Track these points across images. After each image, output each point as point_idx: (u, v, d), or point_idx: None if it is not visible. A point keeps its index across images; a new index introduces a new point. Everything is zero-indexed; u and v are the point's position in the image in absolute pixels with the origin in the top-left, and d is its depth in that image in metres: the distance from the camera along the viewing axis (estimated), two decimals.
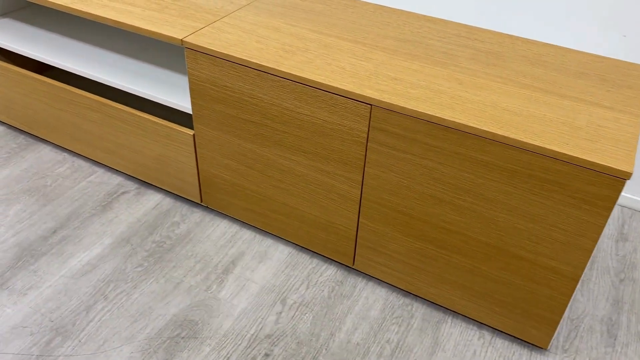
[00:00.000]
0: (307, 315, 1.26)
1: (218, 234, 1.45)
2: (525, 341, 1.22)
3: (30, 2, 1.76)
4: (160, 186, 1.55)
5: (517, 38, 1.31)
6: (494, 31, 1.34)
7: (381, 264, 1.29)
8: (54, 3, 1.37)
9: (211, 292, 1.30)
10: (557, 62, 1.21)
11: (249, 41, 1.23)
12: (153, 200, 1.55)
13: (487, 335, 1.24)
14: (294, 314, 1.26)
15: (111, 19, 1.30)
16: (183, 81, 1.47)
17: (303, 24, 1.31)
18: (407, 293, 1.33)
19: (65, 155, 1.69)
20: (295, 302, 1.29)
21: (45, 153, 1.69)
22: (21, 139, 1.74)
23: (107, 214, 1.49)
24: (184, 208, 1.53)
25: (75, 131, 1.60)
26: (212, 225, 1.48)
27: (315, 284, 1.34)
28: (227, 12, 1.35)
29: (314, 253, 1.41)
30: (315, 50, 1.21)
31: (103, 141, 1.56)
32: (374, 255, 1.29)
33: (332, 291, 1.32)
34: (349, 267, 1.38)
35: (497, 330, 1.25)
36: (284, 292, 1.31)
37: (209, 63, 1.22)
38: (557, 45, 1.28)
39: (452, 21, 1.38)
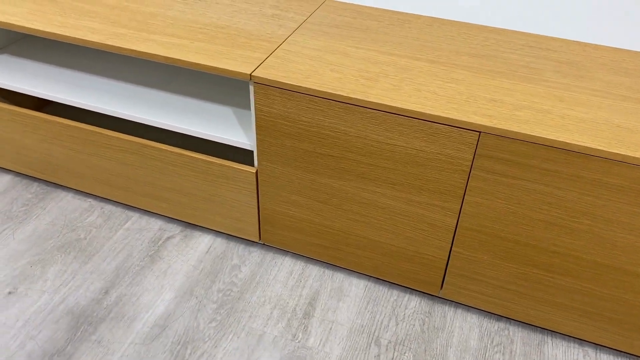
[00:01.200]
0: (406, 355, 1.19)
1: (285, 274, 1.36)
2: (633, 355, 1.19)
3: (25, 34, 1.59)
4: (208, 227, 1.43)
5: (586, 44, 1.27)
6: (559, 38, 1.30)
7: (473, 291, 1.24)
8: (86, 41, 1.22)
9: (299, 342, 1.21)
10: (637, 68, 1.18)
11: (322, 70, 1.14)
12: (203, 243, 1.43)
13: (591, 351, 1.21)
14: (393, 355, 1.19)
15: (161, 55, 1.17)
16: (228, 113, 1.35)
17: (368, 45, 1.23)
18: (499, 317, 1.28)
19: (91, 201, 1.54)
20: (390, 342, 1.21)
21: (68, 201, 1.53)
22: (35, 187, 1.58)
23: (158, 264, 1.37)
24: (239, 248, 1.42)
25: (104, 175, 1.45)
26: (275, 264, 1.38)
27: (404, 318, 1.26)
28: (281, 37, 1.25)
29: (392, 284, 1.34)
30: (395, 74, 1.13)
31: (140, 184, 1.42)
32: (466, 282, 1.23)
33: (424, 324, 1.25)
34: (433, 296, 1.32)
35: (599, 346, 1.22)
36: (374, 332, 1.23)
37: (282, 97, 1.12)
38: (623, 49, 1.25)
39: (511, 30, 1.33)
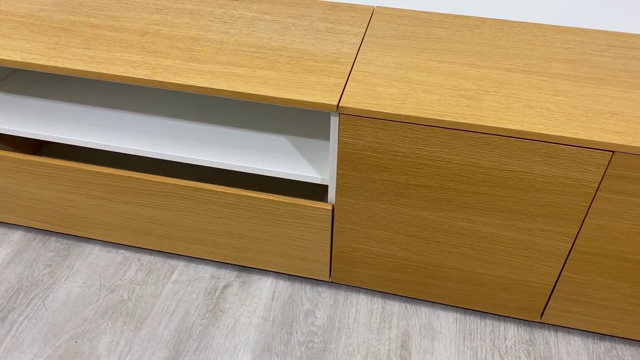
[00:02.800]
0: None
1: (365, 314, 1.23)
2: None
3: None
4: (269, 269, 1.28)
5: None
6: (635, 34, 1.22)
7: (577, 313, 1.15)
8: (129, 78, 1.04)
9: None
10: None
11: (414, 92, 1.01)
12: (265, 287, 1.28)
13: None
14: None
15: (227, 90, 1.01)
16: (283, 144, 1.20)
17: (447, 57, 1.11)
18: (602, 336, 1.20)
19: (124, 252, 1.35)
20: None
21: (97, 255, 1.34)
22: (54, 243, 1.37)
23: (222, 320, 1.21)
24: (306, 290, 1.28)
25: (140, 223, 1.27)
26: (350, 304, 1.25)
27: (506, 351, 1.16)
28: (350, 56, 1.11)
29: (483, 313, 1.24)
30: (495, 90, 1.01)
31: (186, 230, 1.25)
32: (571, 305, 1.14)
33: (529, 355, 1.16)
34: (530, 322, 1.22)
35: None
36: None
37: (374, 128, 0.98)
38: None
39: (582, 28, 1.24)
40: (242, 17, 1.24)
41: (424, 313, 1.24)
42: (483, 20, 1.25)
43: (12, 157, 1.22)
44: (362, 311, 1.24)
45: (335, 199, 1.11)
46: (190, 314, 1.22)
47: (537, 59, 1.11)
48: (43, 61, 1.07)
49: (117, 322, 1.20)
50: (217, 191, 1.16)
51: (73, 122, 1.25)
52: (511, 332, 1.20)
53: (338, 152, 1.04)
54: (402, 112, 0.95)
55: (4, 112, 1.27)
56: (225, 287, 1.28)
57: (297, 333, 1.19)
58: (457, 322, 1.22)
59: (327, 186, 1.41)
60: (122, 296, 1.25)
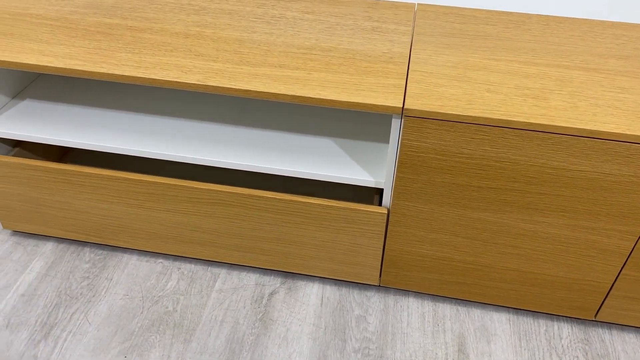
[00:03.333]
0: None
1: (417, 318, 1.21)
2: None
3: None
4: (315, 274, 1.25)
5: None
6: None
7: (635, 310, 1.14)
8: (182, 83, 1.00)
9: None
10: None
11: (478, 92, 0.98)
12: (312, 294, 1.25)
13: None
14: None
15: (288, 95, 0.97)
16: (329, 146, 1.18)
17: (502, 55, 1.08)
18: None
19: (162, 261, 1.31)
20: None
21: (135, 266, 1.30)
22: (88, 253, 1.33)
23: (273, 328, 1.18)
24: (354, 295, 1.25)
25: (180, 231, 1.24)
26: (401, 308, 1.23)
27: (563, 351, 1.15)
28: (403, 56, 1.08)
29: (536, 313, 1.22)
30: (558, 89, 1.00)
31: (230, 237, 1.22)
32: (629, 303, 1.13)
33: (586, 354, 1.15)
34: (582, 320, 1.21)
35: None
36: None
37: (440, 130, 0.96)
38: None
39: (631, 23, 1.23)
40: (283, 16, 1.21)
41: (477, 315, 1.22)
42: (529, 16, 1.23)
43: (48, 167, 1.17)
44: (413, 315, 1.22)
45: (392, 202, 1.09)
46: (239, 324, 1.19)
47: (592, 56, 1.09)
48: (88, 67, 1.02)
49: (165, 335, 1.16)
50: (268, 197, 1.13)
51: (106, 128, 1.20)
52: (565, 331, 1.19)
53: (399, 155, 1.01)
54: (470, 114, 0.93)
55: (32, 119, 1.22)
56: (271, 294, 1.25)
57: (351, 340, 1.16)
58: (511, 322, 1.20)
59: (368, 188, 1.39)
60: (167, 307, 1.21)
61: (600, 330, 1.19)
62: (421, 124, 0.96)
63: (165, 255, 1.33)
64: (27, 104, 1.27)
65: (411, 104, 0.95)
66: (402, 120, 0.97)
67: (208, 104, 1.29)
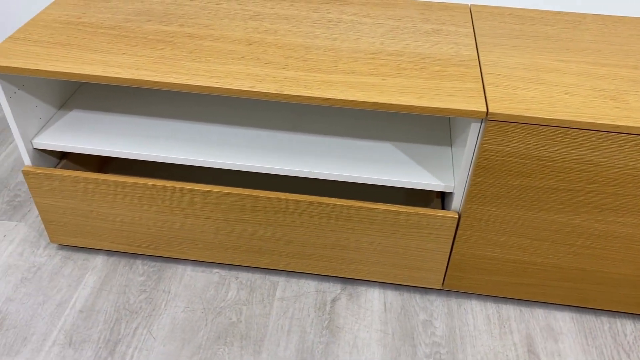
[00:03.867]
0: None
1: (482, 320, 1.21)
2: None
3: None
4: (376, 280, 1.24)
5: None
6: None
7: None
8: (258, 92, 0.98)
9: None
10: None
11: (557, 94, 0.98)
12: (375, 299, 1.24)
13: None
14: None
15: (368, 102, 0.96)
16: (391, 151, 1.17)
17: (569, 57, 1.09)
18: None
19: (219, 271, 1.29)
20: None
21: (191, 277, 1.28)
22: (140, 266, 1.30)
23: (341, 336, 1.17)
24: (416, 299, 1.25)
25: (239, 240, 1.22)
26: (465, 311, 1.23)
27: (630, 347, 1.17)
28: (472, 59, 1.08)
29: (597, 311, 1.23)
30: (634, 90, 1.00)
31: (290, 245, 1.20)
32: None
33: None
34: None
35: None
36: None
37: (523, 133, 0.95)
38: None
39: None
40: (341, 20, 1.19)
41: (540, 314, 1.22)
42: (584, 16, 1.24)
43: (106, 179, 1.14)
44: (478, 318, 1.22)
45: (463, 206, 1.08)
46: (306, 332, 1.17)
47: None
48: (158, 78, 1.00)
49: (233, 347, 1.14)
50: (334, 204, 1.11)
51: (158, 137, 1.18)
52: (629, 328, 1.20)
53: (476, 159, 1.01)
54: (555, 117, 0.93)
55: (81, 129, 1.19)
56: (333, 301, 1.24)
57: (421, 345, 1.16)
58: (574, 321, 1.21)
59: (427, 192, 1.38)
60: (230, 318, 1.19)
61: None
62: (504, 128, 0.96)
63: (221, 265, 1.30)
64: (74, 115, 1.24)
65: (495, 108, 0.94)
66: (483, 124, 0.96)
67: (256, 110, 1.27)
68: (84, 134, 1.18)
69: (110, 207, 1.19)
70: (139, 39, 1.10)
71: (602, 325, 1.21)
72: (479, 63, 1.07)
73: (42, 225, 1.38)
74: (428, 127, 1.25)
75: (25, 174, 1.17)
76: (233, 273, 1.29)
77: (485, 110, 0.94)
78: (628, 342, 1.17)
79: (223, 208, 1.16)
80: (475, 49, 1.11)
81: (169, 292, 1.24)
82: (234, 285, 1.26)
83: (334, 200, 1.12)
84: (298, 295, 1.25)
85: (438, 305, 1.24)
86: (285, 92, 0.97)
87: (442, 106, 0.95)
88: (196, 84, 0.99)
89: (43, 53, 1.05)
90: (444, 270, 1.20)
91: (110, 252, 1.32)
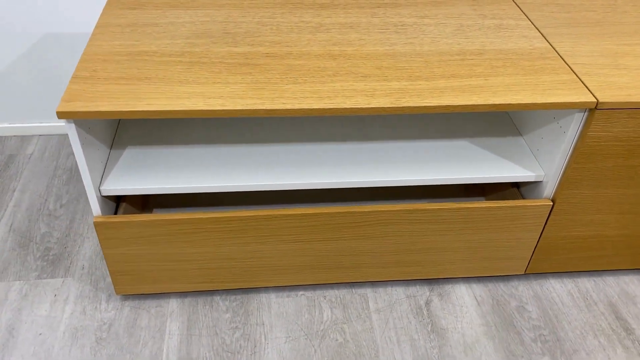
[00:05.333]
0: None
1: (566, 297, 1.27)
2: None
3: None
4: (460, 276, 1.26)
5: None
6: None
7: None
8: (398, 108, 0.95)
9: None
10: None
11: None
12: (465, 295, 1.26)
13: None
14: None
15: (485, 104, 0.97)
16: (466, 148, 1.19)
17: (628, 40, 1.16)
18: None
19: (304, 293, 1.25)
20: None
21: (279, 304, 1.23)
22: (220, 302, 1.23)
23: (449, 337, 1.18)
24: (501, 287, 1.29)
25: (324, 260, 1.18)
26: (548, 291, 1.28)
27: None
28: (550, 51, 1.12)
29: None
30: None
31: (375, 256, 1.19)
32: None
33: None
34: None
35: None
36: None
37: (628, 118, 1.01)
38: None
39: None
40: (405, 24, 1.18)
41: (611, 282, 1.31)
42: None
43: (193, 217, 1.06)
44: (562, 295, 1.28)
45: (557, 193, 1.13)
46: (415, 340, 1.17)
47: None
48: (268, 105, 0.94)
49: None
50: (434, 209, 1.11)
51: (221, 165, 1.12)
52: None
53: (577, 146, 1.05)
54: None
55: (143, 169, 1.10)
56: (427, 303, 1.24)
57: (523, 331, 1.20)
58: None
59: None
60: (336, 339, 1.16)
61: None
62: (610, 115, 1.00)
63: (304, 287, 1.26)
64: (130, 154, 1.13)
65: (603, 97, 0.99)
66: (586, 113, 1.00)
67: (302, 126, 1.24)
68: (149, 173, 1.09)
69: (194, 246, 1.11)
70: (217, 64, 1.03)
71: None
72: (559, 54, 1.10)
73: (93, 277, 1.26)
74: (489, 121, 1.27)
75: (98, 225, 1.06)
76: (319, 292, 1.25)
77: (594, 100, 0.98)
78: None
79: (319, 229, 1.12)
80: (546, 41, 1.15)
81: (263, 324, 1.18)
82: (325, 305, 1.23)
83: (432, 205, 1.12)
84: (391, 304, 1.24)
85: (523, 290, 1.28)
86: (404, 105, 0.95)
87: (556, 101, 0.98)
88: (311, 107, 0.94)
89: (126, 91, 0.94)
90: (530, 256, 1.24)
91: (182, 294, 1.24)
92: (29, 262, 1.28)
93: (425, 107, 0.96)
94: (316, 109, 0.94)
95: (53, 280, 1.25)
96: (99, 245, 1.30)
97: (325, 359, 1.13)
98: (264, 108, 0.93)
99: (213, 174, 1.10)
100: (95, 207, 1.06)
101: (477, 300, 1.25)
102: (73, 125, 0.93)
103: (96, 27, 1.12)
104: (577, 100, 0.98)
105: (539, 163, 1.16)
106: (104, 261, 1.29)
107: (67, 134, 1.65)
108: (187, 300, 1.22)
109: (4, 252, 1.30)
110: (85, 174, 1.00)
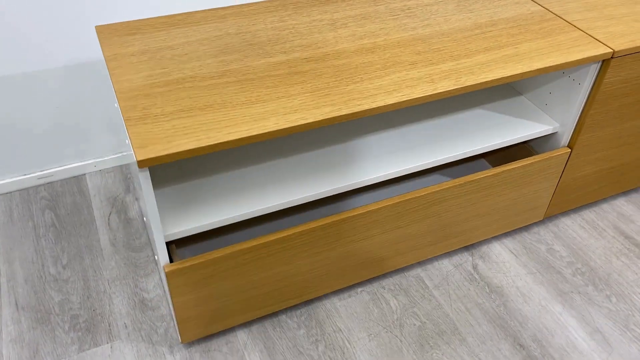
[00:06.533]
0: None
1: (580, 231, 1.41)
2: None
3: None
4: (490, 236, 1.34)
5: None
6: None
7: None
8: (459, 89, 0.97)
9: None
10: None
11: (636, 23, 1.18)
12: (501, 252, 1.35)
13: None
14: None
15: (530, 71, 1.03)
16: (481, 116, 1.27)
17: None
18: None
19: (363, 289, 1.25)
20: None
21: (345, 307, 1.22)
22: (288, 321, 1.19)
23: (507, 293, 1.26)
24: (527, 237, 1.39)
25: (383, 251, 1.20)
26: (564, 229, 1.41)
27: None
28: (546, 13, 1.21)
29: None
30: None
31: (419, 237, 1.23)
32: None
33: None
34: None
35: None
36: None
37: (636, 61, 1.14)
38: None
39: None
40: (410, 7, 1.21)
41: (609, 208, 1.47)
42: None
43: (264, 241, 1.02)
44: (577, 230, 1.41)
45: (572, 139, 1.24)
46: (481, 304, 1.23)
47: None
48: (345, 110, 0.92)
49: (441, 347, 1.15)
50: (479, 178, 1.17)
51: (267, 183, 1.09)
52: None
53: (593, 94, 1.16)
54: None
55: (198, 205, 1.03)
56: (474, 268, 1.31)
57: (562, 269, 1.31)
58: (633, 202, 1.49)
59: None
60: (414, 325, 1.19)
61: None
62: (623, 61, 1.12)
63: (359, 284, 1.26)
64: (176, 190, 1.05)
65: (617, 46, 1.10)
66: (601, 63, 1.11)
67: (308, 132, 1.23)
68: (200, 208, 1.02)
69: (265, 269, 1.06)
70: (266, 79, 0.98)
71: None
72: (556, 15, 1.20)
73: (143, 333, 1.15)
74: (486, 88, 1.35)
75: (171, 274, 0.97)
76: (376, 285, 1.26)
77: (611, 50, 1.09)
78: None
79: (381, 222, 1.12)
80: (537, 4, 1.24)
81: (341, 330, 1.17)
82: (388, 295, 1.24)
83: (473, 177, 1.17)
84: (445, 278, 1.28)
85: (544, 234, 1.40)
86: (466, 85, 0.99)
87: (583, 57, 1.07)
88: (387, 104, 0.94)
89: (197, 124, 0.87)
90: (548, 203, 1.35)
91: (246, 324, 1.18)
92: (60, 337, 1.14)
93: (484, 82, 1.00)
94: (391, 104, 0.94)
95: (99, 348, 1.12)
96: (133, 297, 1.19)
97: (413, 345, 1.15)
98: (343, 113, 0.91)
99: (262, 194, 1.05)
100: (163, 256, 0.97)
101: (513, 254, 1.34)
102: (147, 171, 0.84)
103: (107, 60, 1.00)
104: (598, 53, 1.08)
105: (549, 116, 1.26)
106: (146, 313, 1.18)
107: (28, 188, 1.46)
108: (254, 328, 1.17)
109: (24, 335, 1.14)
110: (156, 222, 0.91)
